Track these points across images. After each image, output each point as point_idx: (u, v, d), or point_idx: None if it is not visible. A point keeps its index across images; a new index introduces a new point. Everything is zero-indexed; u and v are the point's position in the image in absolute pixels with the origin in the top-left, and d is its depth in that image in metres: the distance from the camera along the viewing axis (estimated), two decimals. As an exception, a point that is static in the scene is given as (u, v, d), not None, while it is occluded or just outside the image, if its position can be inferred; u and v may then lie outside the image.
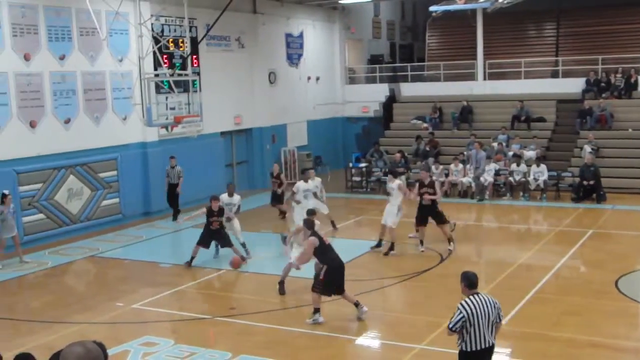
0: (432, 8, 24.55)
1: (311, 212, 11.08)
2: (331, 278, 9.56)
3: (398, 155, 20.84)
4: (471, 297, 6.32)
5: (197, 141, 17.93)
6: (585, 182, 18.16)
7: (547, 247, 13.97)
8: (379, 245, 13.59)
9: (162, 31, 17.83)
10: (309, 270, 12.56)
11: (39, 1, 15.08)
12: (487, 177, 19.22)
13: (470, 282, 6.41)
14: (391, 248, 13.28)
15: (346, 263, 12.79)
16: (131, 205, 17.30)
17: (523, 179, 18.96)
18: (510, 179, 19.14)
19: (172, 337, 9.42)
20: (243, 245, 13.41)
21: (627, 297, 10.57)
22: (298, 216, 13.23)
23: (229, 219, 13.29)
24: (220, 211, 12.99)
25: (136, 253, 14.25)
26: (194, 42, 18.28)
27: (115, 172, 16.91)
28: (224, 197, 13.37)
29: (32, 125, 15.10)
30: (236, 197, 13.56)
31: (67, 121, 15.86)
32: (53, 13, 15.43)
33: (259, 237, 15.32)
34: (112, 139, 16.88)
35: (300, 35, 24.20)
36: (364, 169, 21.49)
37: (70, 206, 15.85)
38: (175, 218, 17.19)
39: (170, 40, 17.91)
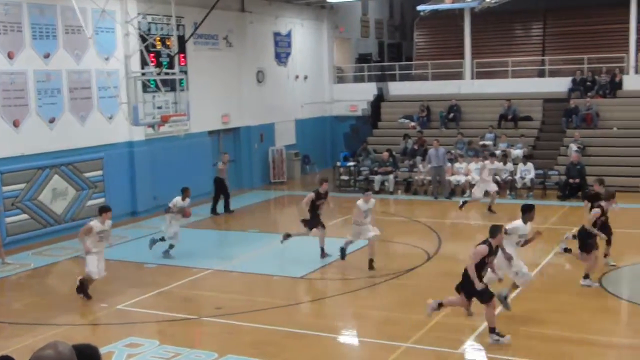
0: (419, 7, 24.56)
1: None
2: None
3: (386, 154, 20.86)
4: None
5: (184, 140, 17.81)
6: (571, 181, 18.25)
7: (532, 244, 13.96)
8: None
9: (149, 29, 17.71)
10: (300, 269, 12.55)
11: (23, -1, 14.92)
12: (475, 176, 19.26)
13: None
14: None
15: (333, 262, 12.98)
16: (117, 205, 16.96)
17: (510, 177, 19.03)
18: (497, 177, 19.20)
19: (157, 337, 9.35)
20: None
21: (611, 294, 10.67)
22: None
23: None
24: (326, 193, 13.09)
25: (121, 253, 14.08)
26: (181, 41, 18.14)
27: (100, 172, 16.76)
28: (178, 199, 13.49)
29: (16, 124, 14.94)
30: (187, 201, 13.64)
31: (52, 120, 15.71)
32: (37, 10, 15.27)
33: (246, 237, 15.27)
34: (97, 138, 16.74)
35: (289, 34, 24.14)
36: (352, 168, 21.49)
37: (54, 206, 15.70)
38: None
39: (157, 38, 17.79)
